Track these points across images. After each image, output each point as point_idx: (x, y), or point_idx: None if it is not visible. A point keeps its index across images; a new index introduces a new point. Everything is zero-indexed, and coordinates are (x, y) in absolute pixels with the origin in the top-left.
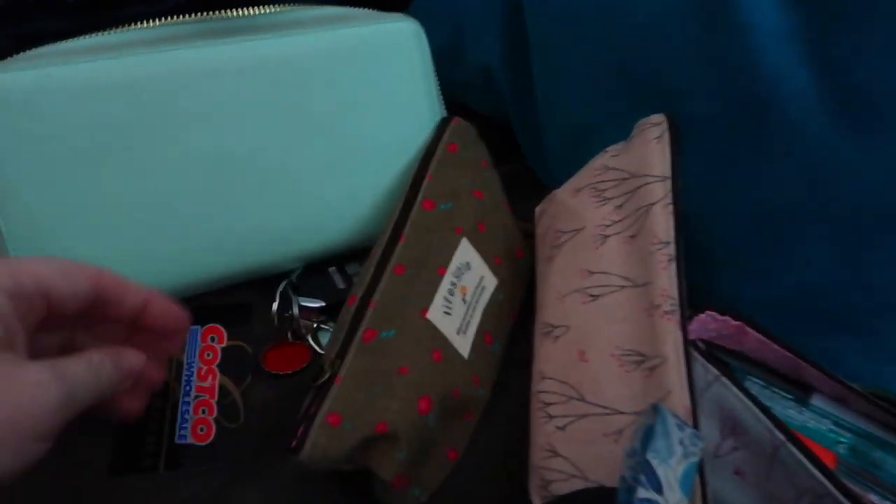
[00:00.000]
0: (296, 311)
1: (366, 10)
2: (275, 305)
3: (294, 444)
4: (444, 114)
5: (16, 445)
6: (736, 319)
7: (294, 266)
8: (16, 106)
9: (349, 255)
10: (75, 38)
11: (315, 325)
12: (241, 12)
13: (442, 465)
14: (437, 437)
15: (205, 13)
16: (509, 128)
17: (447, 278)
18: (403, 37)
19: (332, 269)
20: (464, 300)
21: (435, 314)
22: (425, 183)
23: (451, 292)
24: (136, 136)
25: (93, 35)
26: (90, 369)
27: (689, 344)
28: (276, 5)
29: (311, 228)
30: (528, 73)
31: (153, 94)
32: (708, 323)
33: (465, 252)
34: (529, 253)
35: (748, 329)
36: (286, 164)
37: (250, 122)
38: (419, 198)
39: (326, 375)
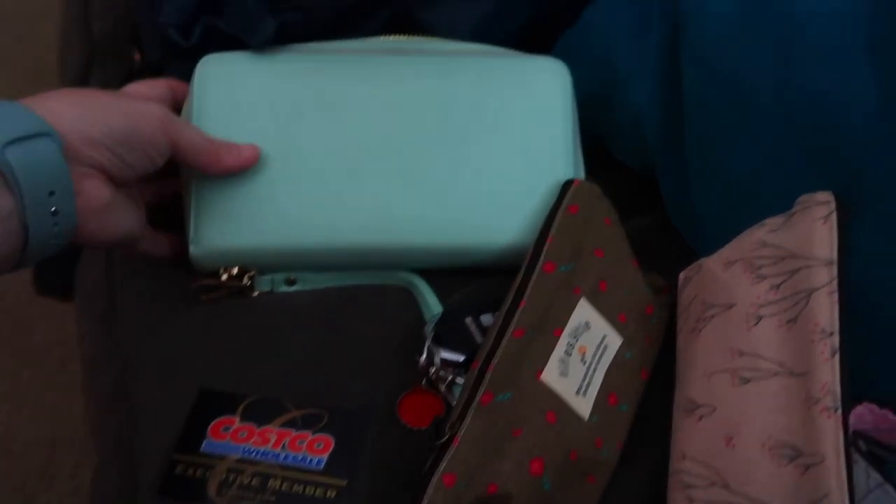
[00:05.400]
0: (437, 361)
1: (512, 50)
2: (421, 359)
3: (412, 502)
4: (580, 155)
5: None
6: None
7: (418, 264)
8: (231, 68)
9: (483, 306)
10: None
11: (451, 378)
12: (419, 38)
13: None
14: (558, 500)
15: (388, 35)
16: (651, 179)
17: (563, 339)
18: (551, 74)
19: (468, 320)
20: (583, 360)
21: (550, 376)
22: (546, 246)
23: (567, 353)
24: (314, 114)
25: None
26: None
27: (850, 444)
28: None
29: (435, 224)
30: (680, 123)
31: (335, 71)
32: (864, 415)
33: (584, 312)
34: (662, 309)
35: None
36: (423, 160)
37: (405, 111)
38: (540, 261)
39: (446, 437)
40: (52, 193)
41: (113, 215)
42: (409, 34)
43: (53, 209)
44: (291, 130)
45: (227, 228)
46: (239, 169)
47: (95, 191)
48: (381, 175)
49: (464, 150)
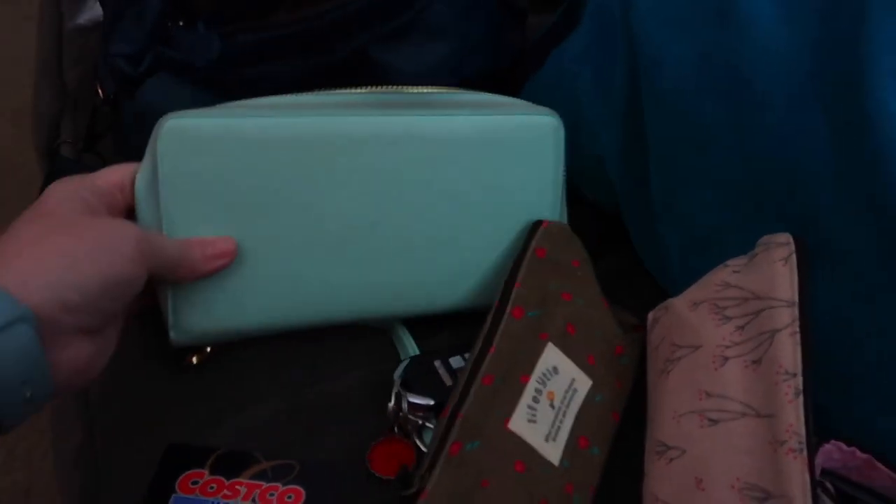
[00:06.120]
0: (405, 406)
1: (513, 98)
2: (390, 405)
3: None
4: (565, 208)
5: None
6: (864, 451)
7: (396, 316)
8: (201, 146)
9: (452, 349)
10: (258, 98)
11: (421, 423)
12: (412, 89)
13: None
14: None
15: (379, 87)
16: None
17: (531, 385)
18: (547, 131)
19: (437, 363)
20: (552, 406)
21: (518, 423)
22: (514, 291)
23: (535, 399)
24: (291, 187)
25: (275, 96)
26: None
27: (816, 485)
28: (438, 87)
29: (427, 292)
30: (645, 168)
31: (315, 152)
32: (832, 453)
33: (552, 357)
34: (632, 348)
35: (878, 464)
36: (413, 230)
37: (391, 187)
38: (509, 307)
39: (415, 489)
40: (25, 382)
41: (95, 364)
42: (365, 75)
43: (28, 395)
44: (271, 203)
45: (207, 312)
46: (218, 270)
47: (75, 355)
48: (368, 247)
49: (455, 216)
